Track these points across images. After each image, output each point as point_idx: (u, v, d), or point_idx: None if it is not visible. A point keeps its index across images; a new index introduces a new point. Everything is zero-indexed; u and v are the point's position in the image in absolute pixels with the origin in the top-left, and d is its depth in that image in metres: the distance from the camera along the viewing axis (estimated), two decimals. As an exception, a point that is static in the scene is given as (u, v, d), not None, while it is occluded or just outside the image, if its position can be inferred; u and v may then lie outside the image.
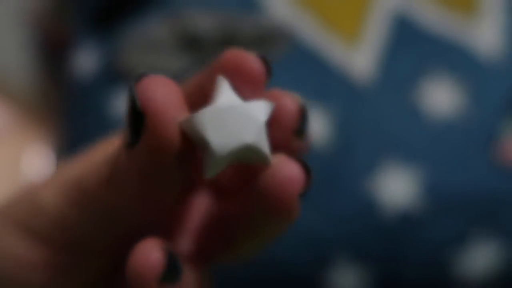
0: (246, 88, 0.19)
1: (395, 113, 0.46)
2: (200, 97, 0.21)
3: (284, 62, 0.48)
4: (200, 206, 0.23)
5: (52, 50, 0.68)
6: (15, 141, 0.73)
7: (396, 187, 0.44)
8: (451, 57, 0.48)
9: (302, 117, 0.20)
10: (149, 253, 0.18)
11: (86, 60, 0.54)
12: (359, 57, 0.48)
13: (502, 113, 0.46)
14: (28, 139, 0.73)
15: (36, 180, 0.24)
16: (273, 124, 0.20)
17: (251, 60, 0.19)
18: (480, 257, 0.44)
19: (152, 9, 0.52)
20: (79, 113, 0.53)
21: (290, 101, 0.20)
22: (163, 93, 0.17)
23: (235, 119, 0.17)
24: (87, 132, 0.52)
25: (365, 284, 0.44)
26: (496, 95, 0.47)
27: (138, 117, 0.17)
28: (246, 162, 0.18)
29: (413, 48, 0.48)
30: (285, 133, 0.20)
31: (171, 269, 0.18)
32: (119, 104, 0.50)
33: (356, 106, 0.46)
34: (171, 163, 0.18)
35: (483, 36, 0.49)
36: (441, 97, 0.47)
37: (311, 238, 0.44)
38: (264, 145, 0.18)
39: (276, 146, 0.20)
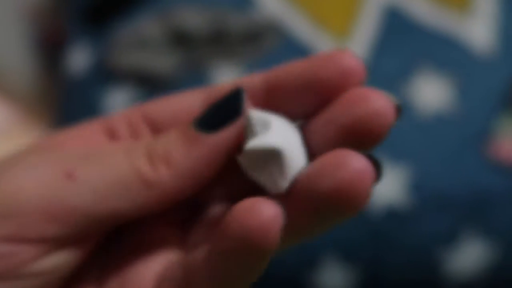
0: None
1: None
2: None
3: (274, 58, 0.48)
4: None
5: (49, 47, 0.69)
6: (17, 135, 0.73)
7: (384, 185, 0.44)
8: (442, 52, 0.47)
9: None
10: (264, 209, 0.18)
11: (79, 58, 0.54)
12: (349, 53, 0.48)
13: (494, 110, 0.46)
14: (29, 133, 0.73)
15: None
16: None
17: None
18: (468, 255, 0.44)
19: (143, 7, 0.52)
20: (73, 109, 0.54)
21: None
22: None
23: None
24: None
25: (353, 284, 0.44)
26: (488, 91, 0.46)
27: (234, 108, 0.20)
28: None
29: (404, 43, 0.48)
30: None
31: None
32: (111, 101, 0.50)
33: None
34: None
35: (476, 31, 0.48)
36: (431, 93, 0.47)
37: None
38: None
39: None
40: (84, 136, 0.23)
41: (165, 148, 0.20)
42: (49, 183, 0.20)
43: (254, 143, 0.19)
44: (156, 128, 0.23)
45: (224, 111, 0.20)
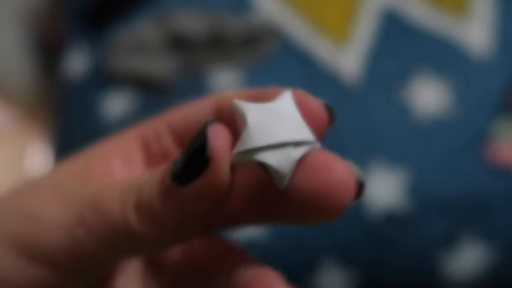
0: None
1: (382, 113, 0.46)
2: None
3: (272, 62, 0.48)
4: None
5: (47, 51, 0.69)
6: (16, 139, 0.74)
7: (383, 189, 0.44)
8: (440, 55, 0.48)
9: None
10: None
11: (77, 61, 0.54)
12: (347, 56, 0.48)
13: (492, 113, 0.46)
14: (28, 136, 0.73)
15: (27, 188, 0.23)
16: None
17: (316, 105, 0.20)
18: (467, 258, 0.44)
19: (142, 11, 0.52)
20: (71, 113, 0.54)
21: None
22: (225, 141, 0.19)
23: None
24: (78, 131, 0.52)
25: (352, 287, 0.44)
26: (486, 95, 0.47)
27: (202, 160, 0.19)
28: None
29: (402, 47, 0.48)
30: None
31: None
32: (109, 105, 0.50)
33: (344, 105, 0.46)
34: (218, 199, 0.19)
35: (473, 35, 0.48)
36: (429, 96, 0.47)
37: (298, 243, 0.44)
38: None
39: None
40: (124, 149, 0.24)
41: (148, 199, 0.20)
42: (66, 227, 0.21)
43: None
44: (178, 138, 0.24)
45: (193, 161, 0.19)
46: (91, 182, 0.22)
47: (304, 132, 0.19)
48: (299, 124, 0.19)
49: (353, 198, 0.18)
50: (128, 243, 0.21)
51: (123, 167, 0.23)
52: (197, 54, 0.49)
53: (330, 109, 0.20)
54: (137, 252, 0.22)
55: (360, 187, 0.19)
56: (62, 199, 0.22)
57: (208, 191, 0.19)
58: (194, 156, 0.19)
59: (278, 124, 0.19)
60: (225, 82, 0.48)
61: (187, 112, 0.23)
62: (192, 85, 0.48)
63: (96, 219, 0.21)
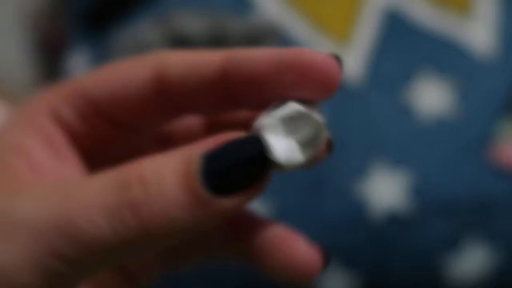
0: (315, 88, 0.20)
1: (385, 114, 0.46)
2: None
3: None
4: None
5: (48, 52, 0.69)
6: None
7: (386, 190, 0.44)
8: (443, 56, 0.47)
9: None
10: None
11: (79, 62, 0.54)
12: (349, 57, 0.48)
13: (495, 114, 0.46)
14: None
15: None
16: None
17: (323, 58, 0.20)
18: (471, 261, 0.44)
19: (143, 12, 0.52)
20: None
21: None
22: None
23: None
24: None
25: None
26: (489, 95, 0.46)
27: (253, 174, 0.18)
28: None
29: (405, 48, 0.48)
30: None
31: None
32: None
33: (346, 107, 0.46)
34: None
35: (476, 35, 0.48)
36: (432, 97, 0.46)
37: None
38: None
39: None
40: (41, 131, 0.21)
41: (166, 210, 0.17)
42: (37, 269, 0.18)
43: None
44: (101, 110, 0.21)
45: (243, 173, 0.17)
46: (26, 192, 0.19)
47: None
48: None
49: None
50: (120, 256, 0.19)
51: (48, 154, 0.20)
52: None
53: (338, 59, 0.20)
54: (131, 258, 0.21)
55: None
56: (13, 236, 0.18)
57: (247, 202, 0.18)
58: (246, 167, 0.17)
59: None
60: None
61: (110, 80, 0.21)
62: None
63: (76, 248, 0.18)
